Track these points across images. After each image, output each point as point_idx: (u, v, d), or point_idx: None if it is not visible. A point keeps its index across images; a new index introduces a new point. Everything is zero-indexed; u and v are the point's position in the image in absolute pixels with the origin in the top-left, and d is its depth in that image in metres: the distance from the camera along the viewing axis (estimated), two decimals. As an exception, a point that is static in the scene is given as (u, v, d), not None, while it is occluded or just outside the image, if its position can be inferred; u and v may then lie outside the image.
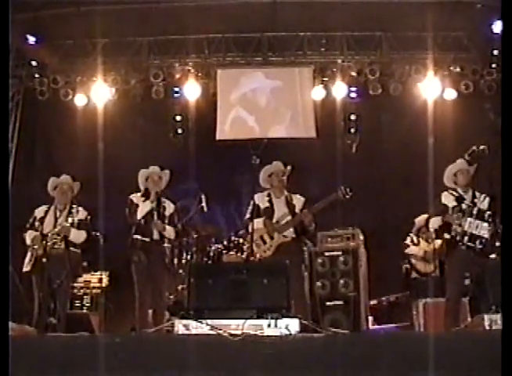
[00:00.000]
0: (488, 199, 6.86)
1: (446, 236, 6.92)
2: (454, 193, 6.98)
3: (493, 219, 6.71)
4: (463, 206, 6.83)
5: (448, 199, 6.95)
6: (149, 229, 7.12)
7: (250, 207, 7.29)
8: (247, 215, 7.29)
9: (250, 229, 7.16)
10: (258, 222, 7.18)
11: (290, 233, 7.18)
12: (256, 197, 7.33)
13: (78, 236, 7.24)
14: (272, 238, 7.12)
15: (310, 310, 7.77)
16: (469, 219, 6.74)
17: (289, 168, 7.40)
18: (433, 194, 7.28)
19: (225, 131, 10.67)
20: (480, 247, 6.68)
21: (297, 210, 7.23)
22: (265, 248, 7.10)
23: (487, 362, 4.19)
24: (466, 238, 6.73)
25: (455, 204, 6.88)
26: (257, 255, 7.17)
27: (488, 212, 6.72)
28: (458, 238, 6.75)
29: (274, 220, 7.19)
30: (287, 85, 10.73)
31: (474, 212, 6.75)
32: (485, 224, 6.69)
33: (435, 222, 7.01)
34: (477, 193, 6.94)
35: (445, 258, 7.20)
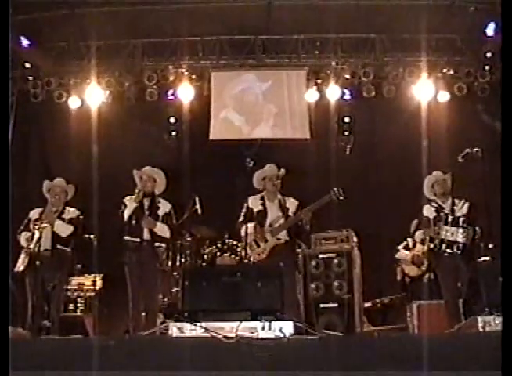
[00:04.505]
0: (467, 204, 7.13)
1: (431, 245, 7.18)
2: (434, 204, 7.26)
3: (471, 224, 6.94)
4: (442, 215, 7.08)
5: (428, 211, 7.24)
6: (139, 229, 7.13)
7: (244, 211, 7.33)
8: (241, 219, 7.32)
9: (243, 233, 7.20)
10: (250, 226, 7.20)
11: (283, 235, 7.20)
12: (249, 200, 7.37)
13: (63, 228, 7.25)
14: (265, 241, 7.13)
15: (304, 312, 7.79)
16: (445, 227, 6.98)
17: (282, 171, 7.41)
18: (422, 200, 7.37)
19: (217, 131, 10.66)
20: (458, 252, 6.87)
21: (290, 213, 7.25)
22: (259, 251, 7.12)
23: (480, 363, 4.20)
24: (444, 245, 6.99)
25: (435, 214, 7.15)
26: (252, 258, 7.18)
27: (463, 218, 6.95)
28: (437, 246, 7.02)
29: (267, 223, 7.21)
30: (281, 88, 10.73)
31: (449, 220, 7.00)
32: (460, 230, 6.90)
33: (419, 236, 7.44)
34: (456, 201, 7.21)
35: (433, 265, 7.39)
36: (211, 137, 10.57)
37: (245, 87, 10.79)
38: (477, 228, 6.94)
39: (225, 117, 10.74)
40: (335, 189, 7.13)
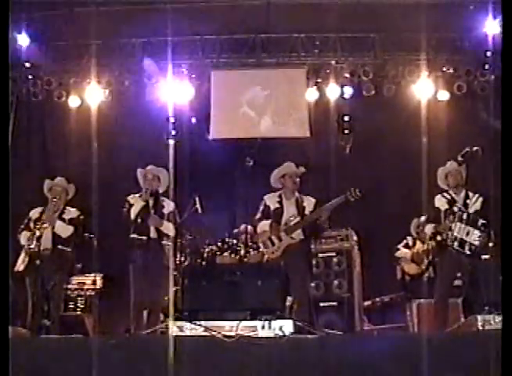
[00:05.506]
0: (481, 199, 6.89)
1: (438, 238, 6.95)
2: (446, 195, 7.02)
3: (489, 227, 6.68)
4: (455, 209, 6.84)
5: (440, 202, 6.99)
6: (145, 227, 7.14)
7: (261, 208, 7.26)
8: (258, 216, 7.27)
9: (259, 230, 7.19)
10: (265, 224, 7.17)
11: (298, 234, 7.07)
12: (266, 197, 7.28)
13: (63, 229, 7.24)
14: (280, 240, 7.07)
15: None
16: (458, 224, 6.72)
17: (302, 169, 7.35)
18: (426, 195, 7.31)
19: (218, 130, 10.65)
20: (469, 253, 6.67)
21: (307, 211, 7.12)
22: (273, 250, 7.04)
23: (480, 362, 4.21)
24: (456, 243, 6.71)
25: (447, 207, 6.92)
26: (265, 257, 7.14)
27: (482, 220, 6.66)
28: (448, 242, 6.78)
29: (282, 221, 7.12)
30: (281, 86, 10.73)
31: (464, 217, 6.73)
32: (477, 231, 6.65)
33: (429, 229, 7.09)
34: (470, 194, 6.97)
35: (436, 259, 7.25)
36: (212, 136, 10.57)
37: (248, 88, 10.77)
38: (492, 232, 6.71)
39: (228, 117, 10.73)
40: (352, 189, 7.02)
